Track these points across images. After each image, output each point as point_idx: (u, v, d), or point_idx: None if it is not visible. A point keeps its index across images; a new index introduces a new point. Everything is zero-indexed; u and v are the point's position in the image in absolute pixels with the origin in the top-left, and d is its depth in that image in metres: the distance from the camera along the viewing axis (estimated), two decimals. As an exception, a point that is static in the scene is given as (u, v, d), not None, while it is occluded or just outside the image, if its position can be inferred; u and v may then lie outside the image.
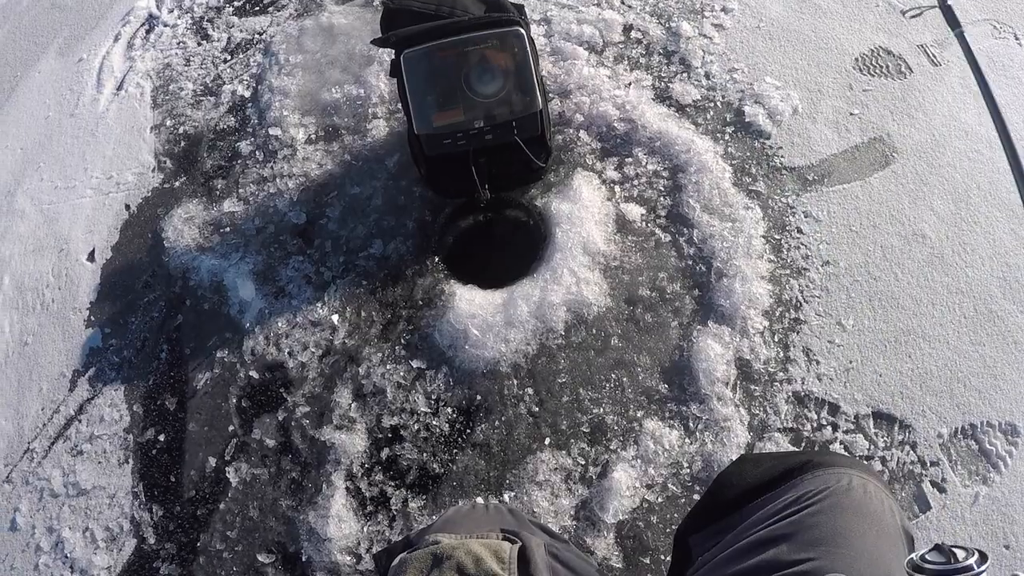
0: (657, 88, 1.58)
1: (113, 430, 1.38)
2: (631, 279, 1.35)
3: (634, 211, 1.41)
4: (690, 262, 1.36)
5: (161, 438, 1.35)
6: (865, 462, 0.94)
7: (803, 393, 1.25)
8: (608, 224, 1.40)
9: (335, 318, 1.39)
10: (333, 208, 1.52)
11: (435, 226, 1.46)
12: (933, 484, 1.17)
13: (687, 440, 1.22)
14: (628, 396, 1.26)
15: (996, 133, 1.55)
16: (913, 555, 0.48)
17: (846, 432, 1.22)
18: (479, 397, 1.28)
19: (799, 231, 1.39)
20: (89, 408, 1.41)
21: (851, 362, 1.27)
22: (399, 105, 1.50)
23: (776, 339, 1.29)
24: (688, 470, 1.19)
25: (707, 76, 1.60)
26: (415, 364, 1.31)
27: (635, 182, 1.45)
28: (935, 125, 1.52)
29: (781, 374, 1.26)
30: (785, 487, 0.71)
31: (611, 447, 1.21)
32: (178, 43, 1.90)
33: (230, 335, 1.42)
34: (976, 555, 0.44)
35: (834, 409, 1.24)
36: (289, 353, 1.37)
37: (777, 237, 1.38)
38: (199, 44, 1.89)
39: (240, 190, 1.58)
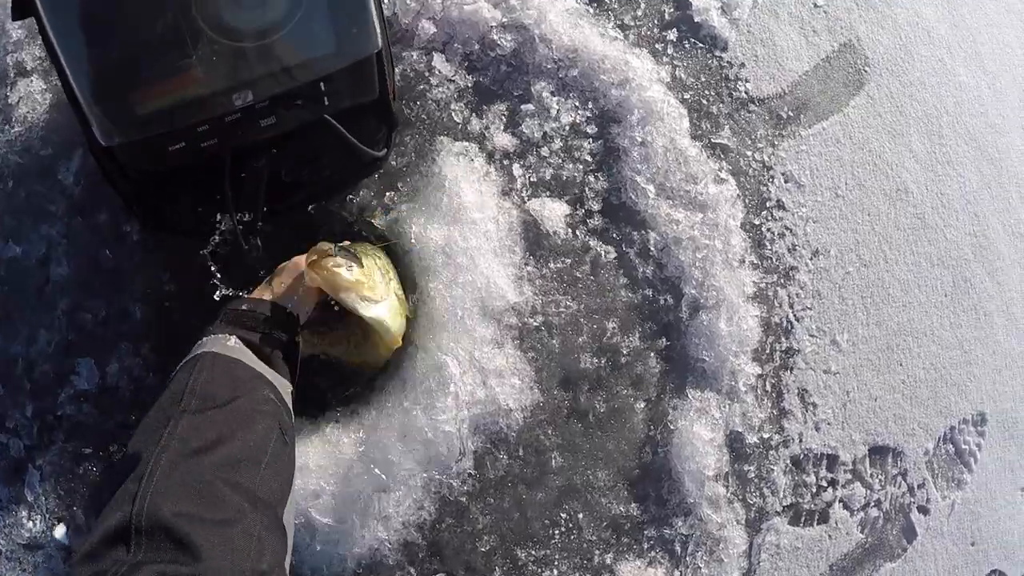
0: (554, -46, 0.87)
1: None
2: (564, 343, 0.79)
3: (553, 210, 0.80)
4: (649, 291, 0.83)
5: None
6: None
7: (801, 454, 0.92)
8: (515, 247, 0.77)
9: (60, 531, 0.66)
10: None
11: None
12: (920, 509, 1.07)
13: (676, 572, 0.82)
14: (588, 537, 0.79)
15: (952, 31, 1.23)
16: None
17: (844, 485, 0.97)
18: (348, 614, 0.70)
19: (780, 206, 0.93)
20: None
21: (848, 393, 0.95)
22: None
23: (769, 389, 0.89)
24: (686, 622, 0.81)
25: (626, -70, 0.92)
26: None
27: (543, 151, 0.82)
28: (900, 24, 1.12)
29: (776, 437, 0.90)
30: None
31: (580, 632, 0.76)
32: None
33: None
34: None
35: (832, 461, 0.95)
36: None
37: (756, 223, 0.91)
38: None
39: None
